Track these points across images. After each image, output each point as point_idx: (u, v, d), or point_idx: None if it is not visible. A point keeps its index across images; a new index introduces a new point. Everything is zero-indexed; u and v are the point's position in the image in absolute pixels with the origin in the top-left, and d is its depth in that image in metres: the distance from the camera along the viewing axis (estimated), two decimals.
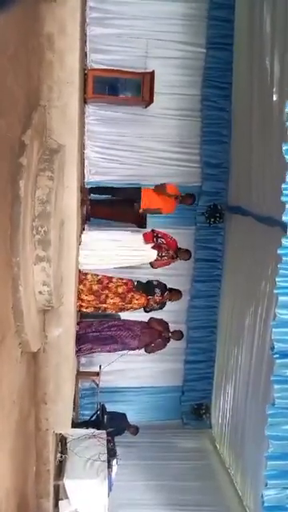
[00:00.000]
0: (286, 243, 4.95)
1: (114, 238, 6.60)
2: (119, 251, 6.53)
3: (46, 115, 4.57)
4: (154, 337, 6.82)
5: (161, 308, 6.85)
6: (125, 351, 6.82)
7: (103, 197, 7.15)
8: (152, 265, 6.78)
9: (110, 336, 6.55)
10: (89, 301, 6.37)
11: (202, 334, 8.50)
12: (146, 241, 6.61)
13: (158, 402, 8.59)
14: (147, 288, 6.69)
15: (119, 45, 7.52)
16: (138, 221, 7.06)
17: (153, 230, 6.78)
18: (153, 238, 6.64)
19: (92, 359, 7.90)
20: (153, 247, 6.63)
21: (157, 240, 6.64)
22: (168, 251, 6.69)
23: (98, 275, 6.56)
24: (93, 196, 6.99)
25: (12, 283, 3.70)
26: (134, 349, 6.79)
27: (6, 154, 3.49)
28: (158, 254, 6.64)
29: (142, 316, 7.00)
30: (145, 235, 6.67)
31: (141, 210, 6.83)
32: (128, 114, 7.75)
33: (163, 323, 6.95)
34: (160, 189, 6.87)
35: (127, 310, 6.59)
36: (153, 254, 6.64)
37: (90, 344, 6.51)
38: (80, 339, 6.30)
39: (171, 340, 7.06)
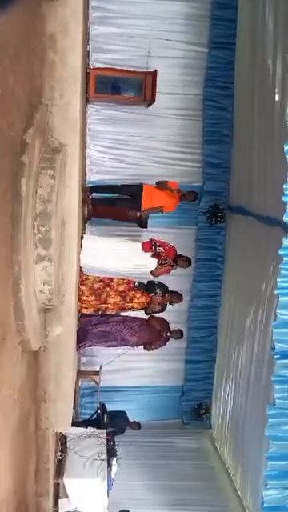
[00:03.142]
0: (286, 243, 4.96)
1: (114, 246, 6.62)
2: (120, 259, 6.52)
3: (47, 114, 4.56)
4: (152, 335, 6.83)
5: (162, 310, 6.84)
6: (124, 348, 6.83)
7: (105, 196, 7.15)
8: (152, 273, 6.77)
9: (109, 332, 6.56)
10: (89, 301, 6.36)
11: (203, 333, 8.50)
12: (145, 250, 6.62)
13: (159, 402, 8.60)
14: (148, 287, 6.69)
15: (121, 44, 7.51)
16: (140, 220, 7.06)
17: (151, 240, 6.79)
18: (151, 246, 6.65)
19: (92, 358, 7.90)
20: (152, 256, 6.64)
21: (155, 249, 6.65)
22: (167, 259, 6.69)
23: (99, 276, 6.57)
24: (94, 195, 6.99)
25: (13, 282, 3.70)
26: (132, 345, 6.80)
27: (8, 152, 3.49)
28: (157, 262, 6.65)
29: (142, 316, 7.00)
30: (143, 244, 6.67)
31: (139, 214, 6.83)
32: (130, 113, 7.75)
33: (163, 322, 6.95)
34: (162, 184, 6.86)
35: (128, 309, 6.59)
36: (153, 263, 6.65)
37: (89, 341, 6.53)
38: (79, 336, 6.31)
39: (171, 339, 7.06)
